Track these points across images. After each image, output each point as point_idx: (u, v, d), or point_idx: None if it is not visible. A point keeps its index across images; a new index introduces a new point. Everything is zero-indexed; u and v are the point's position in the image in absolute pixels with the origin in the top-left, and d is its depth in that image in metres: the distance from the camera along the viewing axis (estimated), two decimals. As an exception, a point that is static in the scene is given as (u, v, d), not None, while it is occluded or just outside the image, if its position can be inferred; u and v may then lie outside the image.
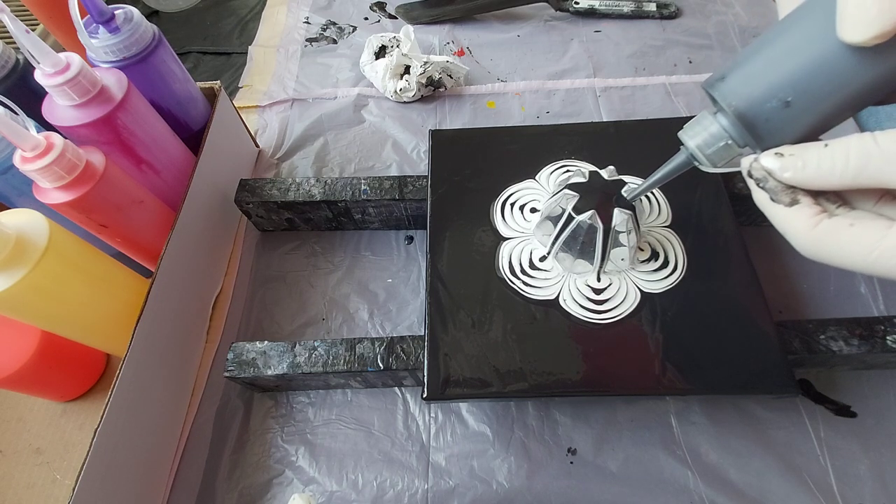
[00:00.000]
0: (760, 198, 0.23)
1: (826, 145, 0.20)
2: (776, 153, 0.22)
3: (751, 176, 0.23)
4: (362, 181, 0.43)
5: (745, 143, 0.24)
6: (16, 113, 0.30)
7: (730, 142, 0.24)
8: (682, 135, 0.26)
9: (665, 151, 0.29)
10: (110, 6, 0.36)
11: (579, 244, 0.34)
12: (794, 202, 0.22)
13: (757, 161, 0.22)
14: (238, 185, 0.44)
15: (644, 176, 0.39)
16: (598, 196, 0.33)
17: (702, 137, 0.25)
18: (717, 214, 0.38)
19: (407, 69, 0.55)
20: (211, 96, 0.45)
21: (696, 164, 0.26)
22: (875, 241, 0.20)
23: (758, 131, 0.22)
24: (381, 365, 0.35)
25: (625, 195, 0.33)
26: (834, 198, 0.22)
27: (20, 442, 0.39)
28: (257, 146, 0.54)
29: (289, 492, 0.37)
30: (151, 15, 0.70)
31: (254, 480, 0.37)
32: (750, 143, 0.24)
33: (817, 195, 0.22)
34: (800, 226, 0.21)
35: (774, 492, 0.34)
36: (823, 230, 0.21)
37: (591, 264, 0.35)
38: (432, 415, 0.39)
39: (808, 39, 0.20)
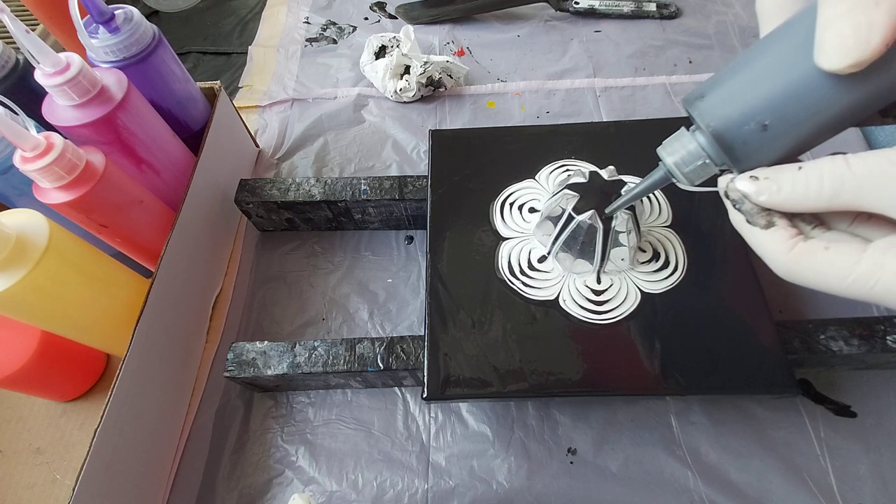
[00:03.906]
0: (737, 219, 0.23)
1: (800, 168, 0.20)
2: (751, 176, 0.22)
3: (727, 197, 0.23)
4: (362, 181, 0.43)
5: (722, 163, 0.24)
6: (16, 113, 0.30)
7: (707, 161, 0.24)
8: (660, 151, 0.26)
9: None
10: (110, 6, 0.36)
11: (579, 244, 0.34)
12: (769, 224, 0.22)
13: (733, 182, 0.22)
14: (238, 185, 0.44)
15: (644, 176, 0.40)
16: (598, 196, 0.33)
17: (679, 155, 0.25)
18: (718, 214, 0.38)
19: (407, 69, 0.55)
20: (211, 96, 0.45)
21: (674, 181, 0.26)
22: (850, 266, 0.19)
23: (735, 153, 0.22)
24: (381, 365, 0.35)
25: (605, 213, 0.32)
26: (810, 218, 0.22)
27: (20, 442, 0.39)
28: (257, 146, 0.54)
29: (289, 492, 0.37)
30: (151, 15, 0.70)
31: (254, 480, 0.37)
32: (727, 163, 0.23)
33: (793, 217, 0.22)
34: (776, 249, 0.21)
35: (774, 492, 0.34)
36: (799, 253, 0.21)
37: (591, 264, 0.35)
38: (432, 415, 0.39)
39: (785, 63, 0.20)
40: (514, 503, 0.35)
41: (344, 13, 0.67)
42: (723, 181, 0.23)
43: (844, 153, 0.20)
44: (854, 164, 0.19)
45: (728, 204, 0.23)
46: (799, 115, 0.21)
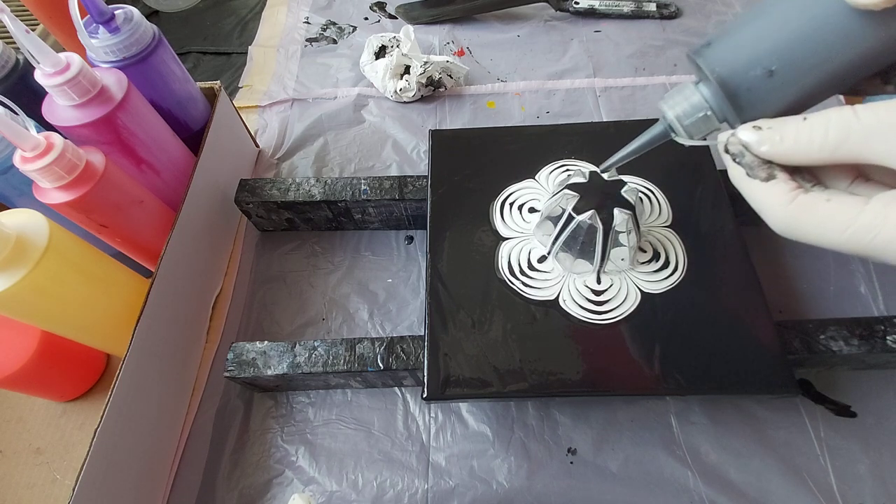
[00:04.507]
0: (736, 174, 0.22)
1: (805, 119, 0.20)
2: (754, 126, 0.22)
3: (727, 151, 0.22)
4: (362, 181, 0.43)
5: (724, 118, 0.24)
6: (16, 113, 0.30)
7: (709, 113, 0.24)
8: (661, 104, 0.26)
9: (665, 152, 0.29)
10: (110, 6, 0.36)
11: (579, 244, 0.34)
12: (770, 177, 0.21)
13: (734, 135, 0.22)
14: (238, 185, 0.44)
15: (645, 176, 0.40)
16: (598, 196, 0.33)
17: (681, 107, 0.25)
18: (717, 214, 0.38)
19: (407, 69, 0.55)
20: (211, 96, 0.45)
21: (673, 135, 0.26)
22: (851, 218, 0.19)
23: (739, 101, 0.22)
24: (381, 365, 0.35)
25: (598, 170, 0.32)
26: (809, 177, 0.22)
27: (20, 442, 0.39)
28: (257, 146, 0.54)
29: (289, 492, 0.37)
30: (151, 15, 0.70)
31: (254, 480, 0.37)
32: (729, 117, 0.23)
33: (793, 172, 0.22)
34: (776, 201, 0.21)
35: (774, 492, 0.34)
36: (800, 205, 0.21)
37: (591, 264, 0.35)
38: (432, 415, 0.39)
39: (798, 6, 0.20)
40: (514, 503, 0.35)
41: (344, 13, 0.67)
42: (722, 136, 0.23)
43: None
44: (862, 114, 0.19)
45: (727, 159, 0.22)
46: (809, 59, 0.20)
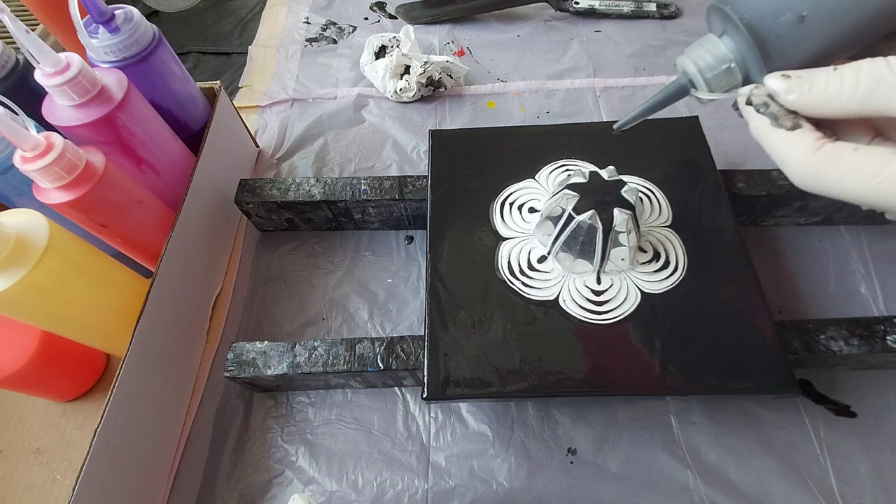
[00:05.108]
0: (759, 124, 0.22)
1: (835, 69, 0.20)
2: (783, 75, 0.21)
3: (750, 103, 0.22)
4: (362, 181, 0.43)
5: (747, 71, 0.23)
6: (16, 113, 0.30)
7: (733, 65, 0.23)
8: (681, 59, 0.25)
9: (665, 152, 0.29)
10: (110, 6, 0.36)
11: (579, 244, 0.34)
12: (795, 126, 0.21)
13: (759, 88, 0.22)
14: (238, 185, 0.44)
15: (645, 176, 0.40)
16: (598, 196, 0.33)
17: (704, 60, 0.24)
18: (718, 214, 0.38)
19: (407, 69, 0.55)
20: (211, 96, 0.45)
21: (693, 92, 0.26)
22: (879, 167, 0.19)
23: (767, 49, 0.22)
24: (381, 365, 0.35)
25: (614, 128, 0.32)
26: (830, 133, 0.22)
27: (20, 442, 0.39)
28: (257, 146, 0.54)
29: (289, 492, 0.37)
30: (151, 15, 0.70)
31: (254, 480, 0.37)
32: (753, 69, 0.23)
33: (815, 127, 0.21)
34: (801, 150, 0.21)
35: (774, 492, 0.34)
36: (826, 153, 0.20)
37: (591, 264, 0.35)
38: (432, 415, 0.39)
39: None
40: (514, 503, 0.35)
41: (344, 13, 0.67)
42: (745, 89, 0.23)
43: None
44: (895, 64, 0.19)
45: (749, 111, 0.22)
46: (841, 4, 0.20)
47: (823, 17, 0.20)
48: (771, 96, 0.22)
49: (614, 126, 0.31)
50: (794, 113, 0.21)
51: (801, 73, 0.21)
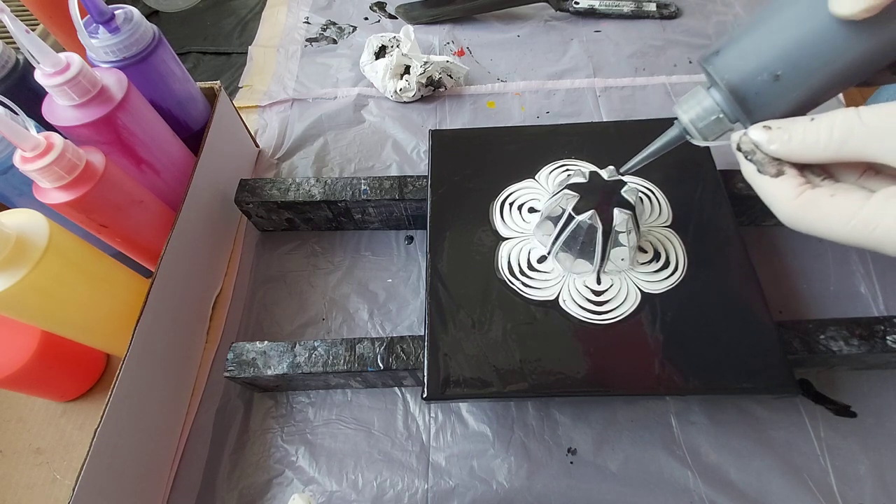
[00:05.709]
0: (748, 170, 0.24)
1: (812, 119, 0.22)
2: (764, 126, 0.23)
3: (739, 149, 0.24)
4: (362, 181, 0.43)
5: (736, 119, 0.25)
6: (16, 113, 0.30)
7: (721, 115, 0.25)
8: (676, 108, 0.27)
9: (665, 152, 0.29)
10: (110, 6, 0.36)
11: (579, 244, 0.34)
12: (779, 173, 0.23)
13: (745, 135, 0.23)
14: (238, 185, 0.44)
15: (645, 176, 0.40)
16: (598, 196, 0.33)
17: (695, 111, 0.26)
18: (717, 214, 0.38)
19: (407, 69, 0.55)
20: (211, 96, 0.45)
21: (689, 138, 0.28)
22: (853, 211, 0.21)
23: (748, 105, 0.24)
24: (381, 365, 0.35)
25: (618, 172, 0.34)
26: (819, 171, 0.23)
27: (20, 442, 0.39)
28: (257, 146, 0.54)
29: (289, 492, 0.37)
30: (151, 15, 0.70)
31: (254, 480, 0.37)
32: (740, 118, 0.25)
33: (803, 169, 0.23)
34: (784, 196, 0.22)
35: (774, 492, 0.34)
36: (806, 199, 0.22)
37: (591, 264, 0.35)
38: (432, 415, 0.39)
39: (799, 14, 0.22)
40: (514, 503, 0.35)
41: (344, 13, 0.67)
42: (735, 135, 0.24)
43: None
44: (865, 115, 0.20)
45: (740, 156, 0.24)
46: (811, 64, 0.22)
47: (797, 75, 0.22)
48: (756, 145, 0.23)
49: (620, 170, 0.33)
50: (777, 160, 0.23)
51: (780, 124, 0.23)
